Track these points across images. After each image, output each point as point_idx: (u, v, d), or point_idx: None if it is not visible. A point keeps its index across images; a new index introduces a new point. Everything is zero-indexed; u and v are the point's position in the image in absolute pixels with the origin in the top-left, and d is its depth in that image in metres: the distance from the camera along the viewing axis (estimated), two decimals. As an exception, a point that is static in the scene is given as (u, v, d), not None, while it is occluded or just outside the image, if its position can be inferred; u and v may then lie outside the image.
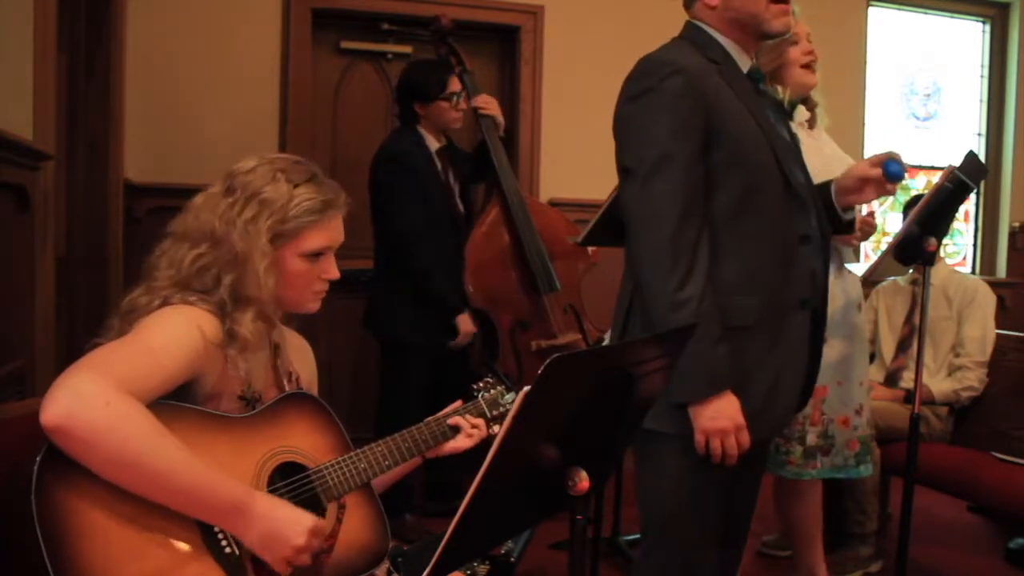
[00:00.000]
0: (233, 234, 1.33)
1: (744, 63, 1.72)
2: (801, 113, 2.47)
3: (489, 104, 3.30)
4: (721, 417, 1.55)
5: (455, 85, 3.20)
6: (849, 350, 2.48)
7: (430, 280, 3.10)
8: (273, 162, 1.39)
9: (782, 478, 2.51)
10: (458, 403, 1.66)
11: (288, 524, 1.23)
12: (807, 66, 2.41)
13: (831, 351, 2.32)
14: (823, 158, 2.32)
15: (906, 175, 1.75)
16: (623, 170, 1.63)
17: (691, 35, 1.71)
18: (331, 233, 1.41)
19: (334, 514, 1.37)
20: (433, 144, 3.21)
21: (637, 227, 1.58)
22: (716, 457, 1.58)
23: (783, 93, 2.38)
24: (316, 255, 1.40)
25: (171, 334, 1.25)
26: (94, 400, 1.11)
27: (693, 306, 1.53)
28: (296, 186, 1.37)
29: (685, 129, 1.57)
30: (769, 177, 1.65)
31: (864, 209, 2.40)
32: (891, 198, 5.05)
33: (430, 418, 1.57)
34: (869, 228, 2.44)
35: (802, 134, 2.30)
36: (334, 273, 1.43)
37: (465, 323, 3.14)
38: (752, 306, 1.63)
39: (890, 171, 1.73)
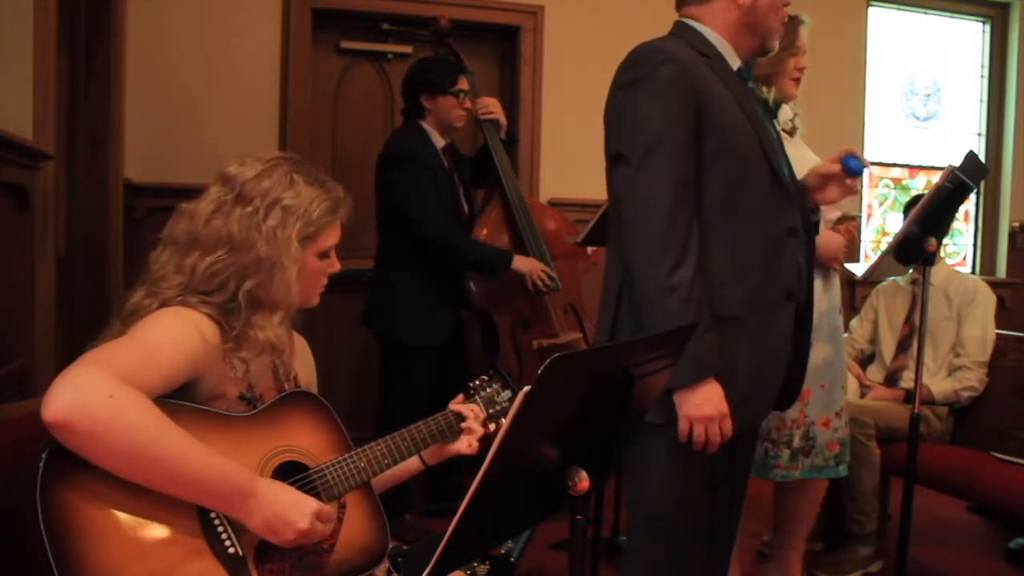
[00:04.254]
0: (258, 240, 1.34)
1: (733, 61, 1.73)
2: (785, 113, 2.50)
3: (492, 108, 3.30)
4: (707, 404, 1.56)
5: (464, 84, 3.21)
6: (832, 354, 2.48)
7: (471, 249, 3.13)
8: (279, 163, 1.41)
9: None
10: (459, 398, 1.66)
11: (292, 508, 1.24)
12: (796, 80, 2.48)
13: (815, 354, 2.31)
14: (805, 165, 2.33)
15: (866, 170, 1.76)
16: (615, 157, 1.64)
17: (680, 32, 1.74)
18: (338, 231, 1.46)
19: (334, 514, 1.37)
20: (439, 141, 3.21)
21: (629, 212, 1.59)
22: (698, 445, 1.59)
23: (768, 93, 2.42)
24: (328, 253, 1.45)
25: (169, 334, 1.26)
26: (96, 393, 1.11)
27: (685, 291, 1.54)
28: (310, 187, 1.41)
29: (677, 115, 1.58)
30: (757, 169, 1.67)
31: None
32: (891, 198, 5.06)
33: (429, 417, 1.58)
34: (850, 239, 2.51)
35: (783, 136, 2.32)
36: (338, 267, 1.49)
37: (523, 262, 3.17)
38: (738, 296, 1.64)
39: (849, 166, 1.74)
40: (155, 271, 1.36)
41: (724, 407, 1.58)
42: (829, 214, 2.55)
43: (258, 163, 1.40)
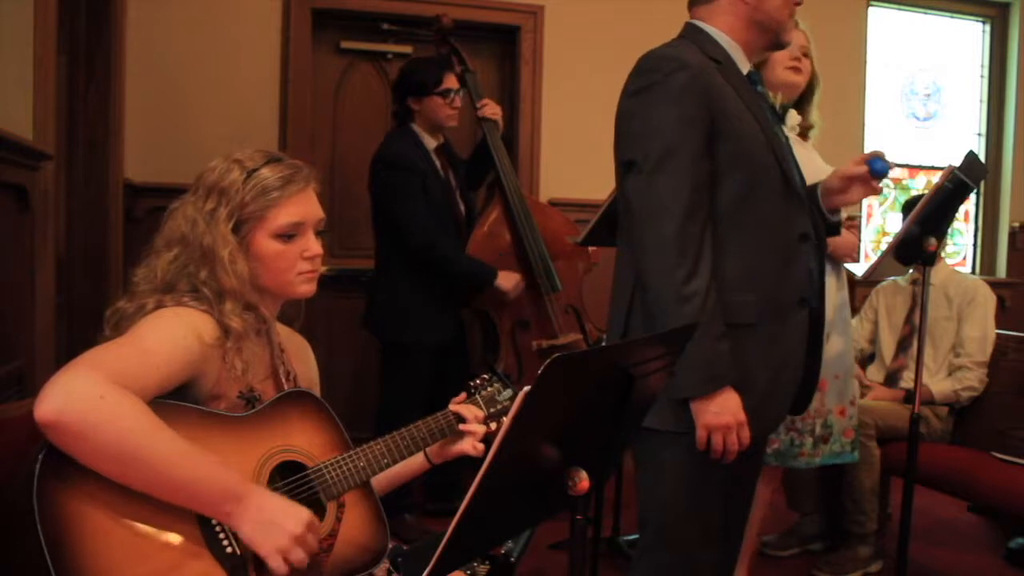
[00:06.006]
0: (199, 228, 1.33)
1: (743, 66, 1.73)
2: (792, 117, 2.53)
3: (493, 110, 3.31)
4: (724, 413, 1.56)
5: (451, 82, 3.20)
6: (845, 346, 2.58)
7: (456, 263, 3.13)
8: (231, 155, 1.39)
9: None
10: (461, 397, 1.66)
11: (285, 514, 1.22)
12: (792, 68, 2.45)
13: (830, 347, 2.45)
14: (814, 168, 2.36)
15: (890, 172, 1.76)
16: (626, 164, 1.62)
17: (691, 35, 1.72)
18: (300, 208, 1.38)
19: (333, 513, 1.37)
20: (430, 143, 3.21)
21: (642, 220, 1.58)
22: (716, 453, 1.58)
23: (775, 98, 2.43)
24: (289, 235, 1.38)
25: (166, 335, 1.25)
26: (88, 394, 1.10)
27: (699, 300, 1.53)
28: (253, 171, 1.36)
29: (690, 123, 1.57)
30: (770, 175, 1.66)
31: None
32: (891, 198, 5.06)
33: (428, 417, 1.57)
34: (854, 230, 2.58)
35: (791, 137, 2.34)
36: (315, 249, 1.40)
37: (506, 279, 3.16)
38: (752, 303, 1.63)
39: (875, 168, 1.74)
40: (133, 276, 1.37)
41: (742, 415, 1.57)
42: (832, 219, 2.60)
43: (220, 157, 1.40)
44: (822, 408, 2.53)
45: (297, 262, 1.39)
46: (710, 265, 1.56)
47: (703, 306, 1.53)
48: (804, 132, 2.59)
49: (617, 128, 1.68)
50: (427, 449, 1.60)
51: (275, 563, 1.21)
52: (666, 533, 1.71)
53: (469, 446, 1.59)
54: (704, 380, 1.55)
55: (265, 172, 1.36)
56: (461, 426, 1.59)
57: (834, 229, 1.92)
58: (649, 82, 1.60)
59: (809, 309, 1.75)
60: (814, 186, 1.86)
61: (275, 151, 1.43)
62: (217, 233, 1.33)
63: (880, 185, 1.79)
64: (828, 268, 2.41)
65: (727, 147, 1.60)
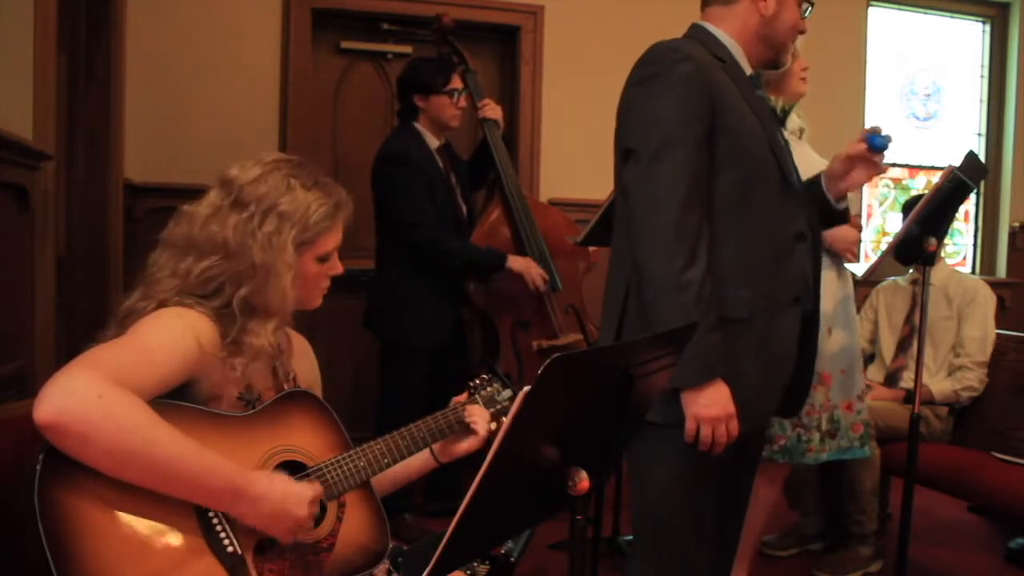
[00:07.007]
0: (253, 247, 1.33)
1: (746, 68, 1.74)
2: (793, 121, 2.60)
3: (494, 109, 3.31)
4: (714, 404, 1.56)
5: (457, 82, 3.21)
6: (850, 340, 2.59)
7: (464, 252, 3.12)
8: (278, 167, 1.39)
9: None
10: (463, 396, 1.66)
11: (290, 499, 1.25)
12: (803, 78, 2.61)
13: (834, 342, 2.49)
14: (809, 165, 2.37)
15: (890, 144, 1.73)
16: (626, 152, 1.63)
17: (697, 35, 1.75)
18: (339, 233, 1.44)
19: (334, 513, 1.37)
20: (433, 142, 3.21)
21: (640, 209, 1.58)
22: (705, 445, 1.58)
23: (776, 101, 2.50)
24: (328, 256, 1.43)
25: (166, 334, 1.25)
26: (86, 394, 1.10)
27: (695, 289, 1.53)
28: (308, 191, 1.38)
29: (691, 114, 1.58)
30: (767, 173, 1.67)
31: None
32: (891, 198, 5.06)
33: (429, 416, 1.57)
34: (856, 231, 2.60)
35: (792, 140, 2.39)
36: (340, 269, 1.47)
37: (517, 262, 3.16)
38: (745, 298, 1.64)
39: (874, 144, 1.73)
40: (151, 273, 1.36)
41: (731, 407, 1.58)
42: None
43: (257, 166, 1.38)
44: (828, 403, 2.52)
45: (322, 279, 1.45)
46: (706, 256, 1.56)
47: (699, 295, 1.53)
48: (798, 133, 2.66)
49: (619, 117, 1.69)
50: (433, 447, 1.60)
51: (285, 540, 1.28)
52: (660, 529, 1.70)
53: (472, 444, 1.59)
54: (695, 371, 1.54)
55: (320, 196, 1.39)
56: (467, 420, 1.59)
57: (842, 216, 1.91)
58: (652, 72, 1.61)
59: (803, 310, 1.75)
60: (816, 177, 1.86)
61: (309, 163, 1.44)
62: (281, 257, 1.34)
63: (883, 162, 1.77)
64: (828, 262, 2.44)
65: (726, 141, 1.62)
